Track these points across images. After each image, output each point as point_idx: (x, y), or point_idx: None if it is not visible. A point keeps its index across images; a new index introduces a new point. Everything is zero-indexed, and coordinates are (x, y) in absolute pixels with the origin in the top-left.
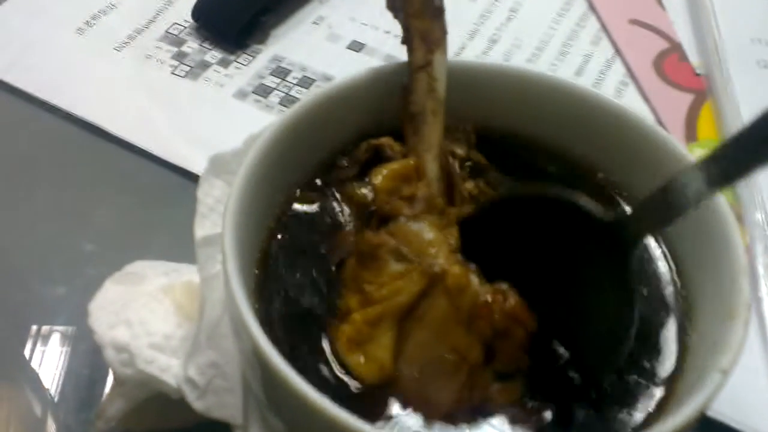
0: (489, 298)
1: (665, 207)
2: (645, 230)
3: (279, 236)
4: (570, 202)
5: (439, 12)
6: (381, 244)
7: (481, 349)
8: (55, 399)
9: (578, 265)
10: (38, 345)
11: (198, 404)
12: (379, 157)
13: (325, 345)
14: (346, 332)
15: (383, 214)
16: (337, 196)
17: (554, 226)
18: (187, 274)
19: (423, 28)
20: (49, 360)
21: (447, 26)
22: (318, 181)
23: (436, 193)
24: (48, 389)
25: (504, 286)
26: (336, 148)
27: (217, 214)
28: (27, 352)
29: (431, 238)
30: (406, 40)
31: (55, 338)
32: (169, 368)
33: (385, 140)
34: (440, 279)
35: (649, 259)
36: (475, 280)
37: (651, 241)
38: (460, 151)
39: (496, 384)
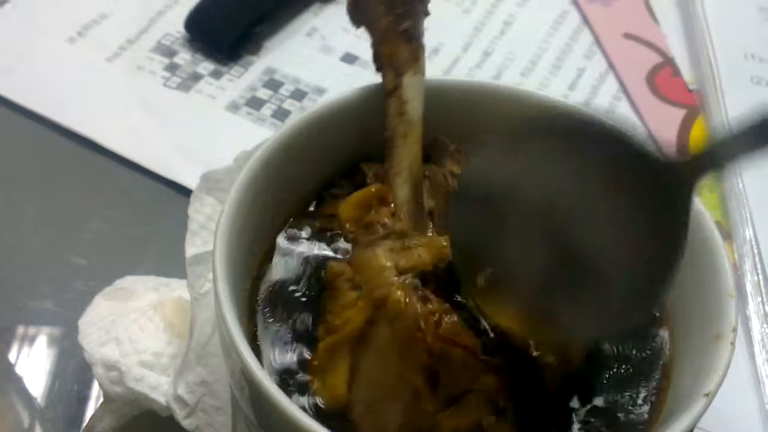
0: (421, 323)
1: (715, 159)
2: (696, 176)
3: (269, 255)
4: (621, 133)
5: (406, 35)
6: (339, 273)
7: (421, 374)
8: (43, 414)
9: (619, 198)
10: (26, 359)
11: (187, 422)
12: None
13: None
14: (312, 360)
15: (348, 242)
16: (329, 216)
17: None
18: (177, 289)
19: (389, 53)
20: (37, 375)
21: (420, 47)
22: (310, 201)
23: (402, 217)
24: (36, 404)
25: (443, 306)
26: (328, 167)
27: (208, 232)
28: (15, 367)
29: (382, 264)
30: (377, 65)
31: (44, 353)
32: (158, 386)
33: (376, 166)
34: (383, 305)
35: None
36: (415, 304)
37: None
38: (456, 168)
39: (449, 409)
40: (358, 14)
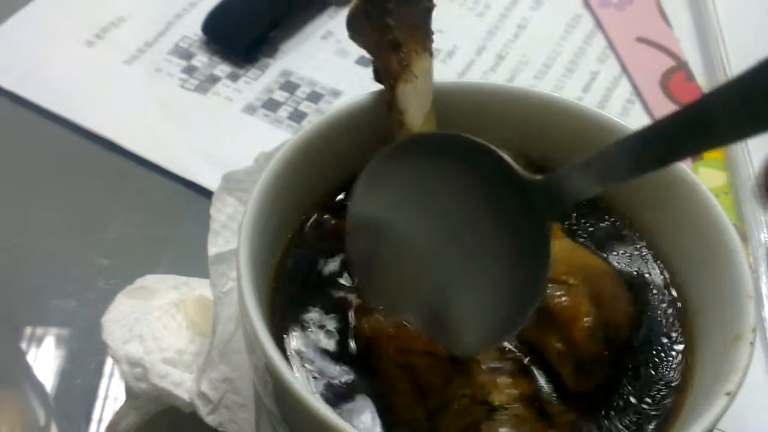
0: (384, 342)
1: (575, 183)
2: (561, 200)
3: (292, 254)
4: (489, 150)
5: (393, 45)
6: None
7: (406, 385)
8: (65, 412)
9: (488, 217)
10: (49, 357)
11: (210, 419)
12: None
13: (338, 360)
14: None
15: None
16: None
17: (468, 173)
18: (198, 288)
19: (382, 67)
20: (60, 372)
21: (411, 54)
22: (331, 200)
23: None
24: (58, 401)
25: (395, 320)
26: (346, 168)
27: (230, 231)
28: (39, 364)
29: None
30: (377, 79)
31: (66, 351)
32: (182, 383)
33: None
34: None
35: (654, 283)
36: (374, 327)
37: (656, 264)
38: None
39: (441, 414)
40: (353, 33)
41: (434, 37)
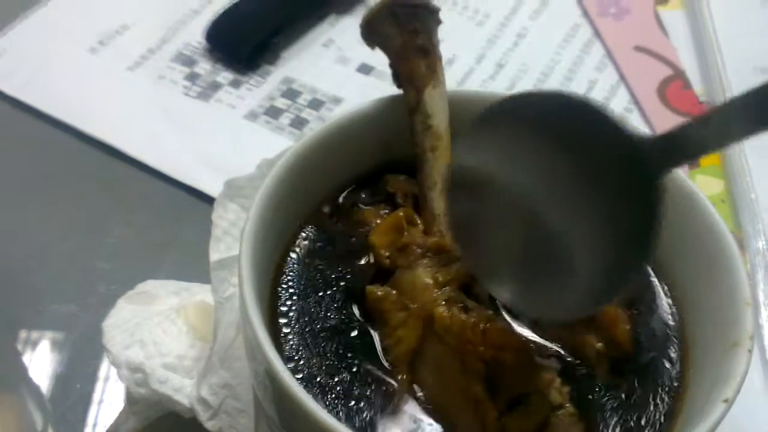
0: (469, 334)
1: (687, 142)
2: (669, 159)
3: (294, 260)
4: (594, 108)
5: (422, 50)
6: (383, 297)
7: (480, 383)
8: (64, 416)
9: (596, 177)
10: (48, 361)
11: (210, 424)
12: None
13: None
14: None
15: (386, 268)
16: (352, 221)
17: (575, 131)
18: (198, 293)
19: (407, 71)
20: (59, 377)
21: (436, 59)
22: (333, 206)
23: (441, 229)
24: (57, 405)
25: (485, 313)
26: (347, 175)
27: (232, 237)
28: (38, 368)
29: (424, 283)
30: (398, 83)
31: (66, 355)
32: (182, 388)
33: (401, 181)
34: (431, 322)
35: (652, 289)
36: (459, 316)
37: (654, 272)
38: None
39: (513, 412)
40: (372, 35)
41: None
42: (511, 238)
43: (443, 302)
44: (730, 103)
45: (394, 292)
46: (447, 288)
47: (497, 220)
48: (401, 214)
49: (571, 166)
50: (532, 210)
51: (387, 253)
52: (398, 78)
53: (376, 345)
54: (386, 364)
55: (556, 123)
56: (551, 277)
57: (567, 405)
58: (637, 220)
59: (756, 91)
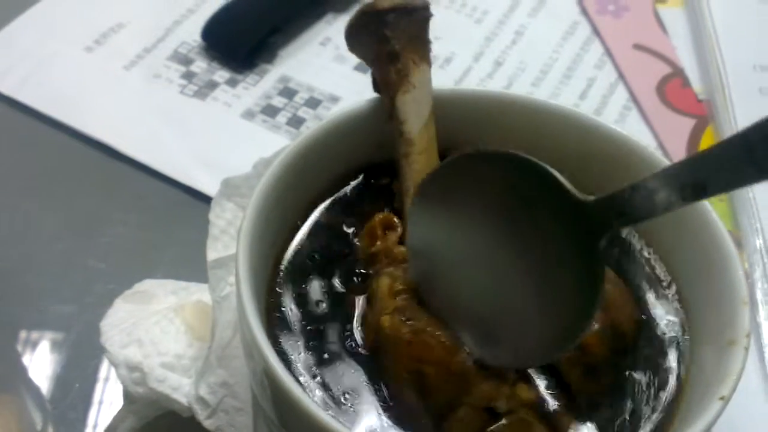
0: (400, 347)
1: (631, 205)
2: (611, 221)
3: (290, 258)
4: (543, 169)
5: (391, 56)
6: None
7: (412, 392)
8: (63, 416)
9: (540, 235)
10: (46, 360)
11: (208, 423)
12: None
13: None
14: None
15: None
16: (349, 219)
17: (520, 191)
18: (196, 292)
19: (381, 78)
20: (58, 376)
21: (409, 61)
22: (330, 205)
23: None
24: (56, 405)
25: (426, 324)
26: (344, 174)
27: (229, 237)
28: (37, 368)
29: (383, 290)
30: (376, 89)
31: (64, 355)
32: (180, 387)
33: None
34: (379, 331)
35: (650, 287)
36: (397, 327)
37: (651, 270)
38: None
39: (446, 420)
40: (351, 44)
41: (432, 43)
42: (466, 296)
43: (390, 312)
44: (672, 169)
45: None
46: (402, 296)
47: (453, 279)
48: (377, 219)
49: (519, 228)
50: (485, 270)
51: (363, 257)
52: (375, 85)
53: None
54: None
55: (503, 186)
56: (506, 332)
57: (519, 410)
58: (581, 280)
59: (694, 160)
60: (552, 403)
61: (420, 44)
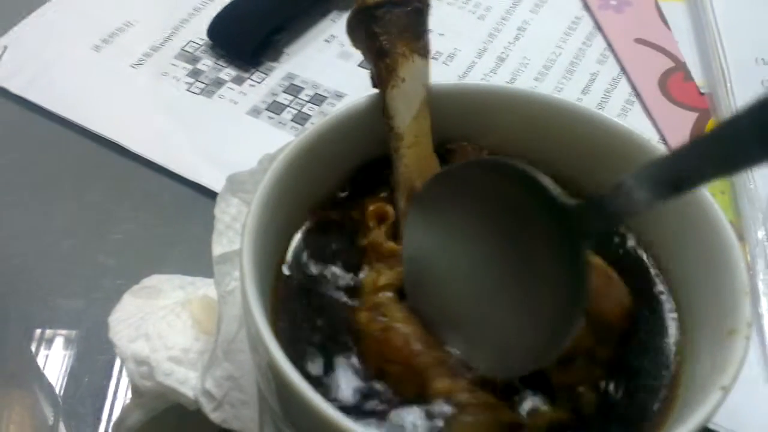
0: (371, 344)
1: (614, 205)
2: (594, 224)
3: (295, 253)
4: (531, 176)
5: (381, 52)
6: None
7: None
8: (74, 410)
9: (527, 242)
10: (56, 355)
11: (214, 416)
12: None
13: (340, 358)
14: None
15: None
16: (354, 214)
17: (510, 199)
18: (203, 287)
19: (375, 72)
20: (66, 370)
21: (397, 56)
22: (334, 200)
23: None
24: (65, 399)
25: (393, 324)
26: (348, 169)
27: (234, 232)
28: (46, 363)
29: (368, 286)
30: (373, 84)
31: (74, 350)
32: (186, 380)
33: None
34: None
35: (650, 278)
36: (371, 324)
37: (652, 260)
38: None
39: None
40: (352, 40)
41: (435, 39)
42: (458, 303)
43: (367, 308)
44: (650, 167)
45: None
46: (383, 293)
47: (445, 287)
48: (370, 210)
49: (509, 235)
50: (477, 277)
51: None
52: (374, 80)
53: None
54: None
55: (495, 194)
56: (496, 339)
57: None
58: (567, 285)
59: (668, 158)
60: (526, 395)
61: (411, 37)
